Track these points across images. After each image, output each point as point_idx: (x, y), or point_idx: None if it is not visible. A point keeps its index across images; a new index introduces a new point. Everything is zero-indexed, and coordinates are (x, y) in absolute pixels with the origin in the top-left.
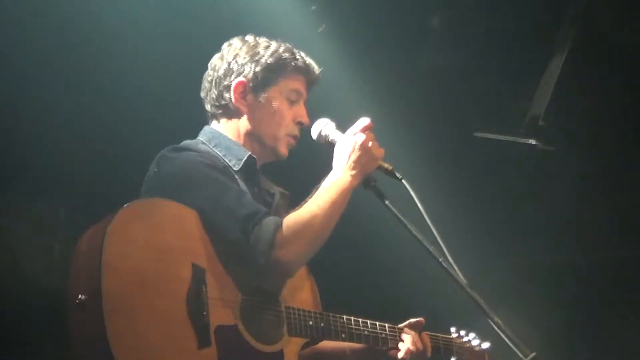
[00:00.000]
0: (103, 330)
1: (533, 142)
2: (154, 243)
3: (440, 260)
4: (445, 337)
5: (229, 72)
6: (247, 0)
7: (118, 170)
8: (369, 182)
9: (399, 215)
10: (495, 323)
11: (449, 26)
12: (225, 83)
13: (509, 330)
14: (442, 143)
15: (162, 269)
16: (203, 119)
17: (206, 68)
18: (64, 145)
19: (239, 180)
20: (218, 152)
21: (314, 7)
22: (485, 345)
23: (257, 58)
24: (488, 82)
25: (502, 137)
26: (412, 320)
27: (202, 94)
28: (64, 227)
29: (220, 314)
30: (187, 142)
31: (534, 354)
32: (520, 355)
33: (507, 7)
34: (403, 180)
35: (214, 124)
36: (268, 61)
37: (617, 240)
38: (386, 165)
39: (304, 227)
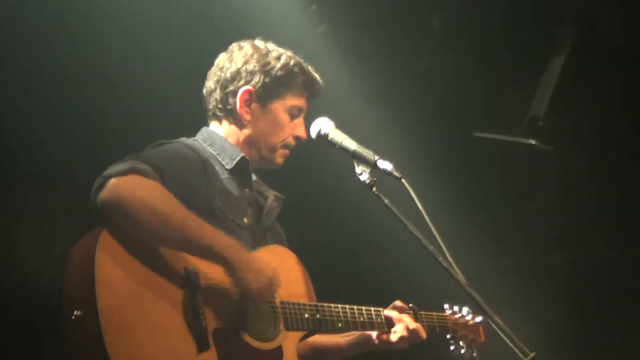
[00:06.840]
0: (102, 345)
1: (533, 142)
2: (145, 251)
3: (439, 259)
4: (440, 315)
5: (237, 76)
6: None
7: None
8: (368, 182)
9: (398, 214)
10: (495, 323)
11: (449, 26)
12: (232, 88)
13: (509, 330)
14: (442, 143)
15: (156, 276)
16: (202, 120)
17: (206, 67)
18: (64, 146)
19: (225, 179)
20: (212, 151)
21: (314, 7)
22: (479, 318)
23: (267, 68)
24: (488, 82)
25: (502, 137)
26: (397, 303)
27: (205, 92)
28: (64, 227)
29: (217, 316)
30: (182, 139)
31: (534, 353)
32: (520, 355)
33: (507, 7)
34: (403, 180)
35: (213, 126)
36: (278, 74)
37: (617, 240)
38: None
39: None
